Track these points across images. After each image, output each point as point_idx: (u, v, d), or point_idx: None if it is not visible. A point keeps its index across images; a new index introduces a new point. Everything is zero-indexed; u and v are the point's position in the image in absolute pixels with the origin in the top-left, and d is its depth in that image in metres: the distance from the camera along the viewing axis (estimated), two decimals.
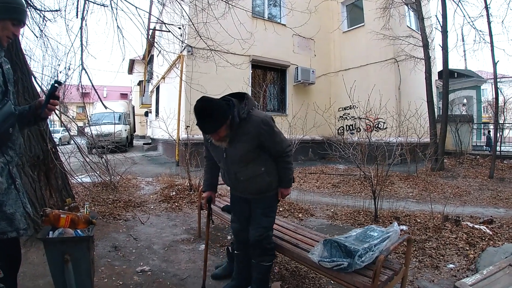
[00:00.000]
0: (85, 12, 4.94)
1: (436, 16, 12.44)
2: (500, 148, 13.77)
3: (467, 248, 4.27)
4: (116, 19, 5.19)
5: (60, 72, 6.72)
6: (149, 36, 7.29)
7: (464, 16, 14.32)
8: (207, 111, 2.44)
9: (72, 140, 6.69)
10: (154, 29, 11.52)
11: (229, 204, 4.38)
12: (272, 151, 2.75)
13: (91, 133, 7.15)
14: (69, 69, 5.85)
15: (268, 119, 2.70)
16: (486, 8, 10.79)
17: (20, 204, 2.04)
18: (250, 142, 2.63)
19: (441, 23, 11.78)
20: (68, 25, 5.39)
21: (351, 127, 14.32)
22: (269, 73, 14.38)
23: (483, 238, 4.57)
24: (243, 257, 3.10)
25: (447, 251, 4.24)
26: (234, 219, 3.20)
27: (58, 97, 2.16)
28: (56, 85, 2.13)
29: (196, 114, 2.46)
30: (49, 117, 2.43)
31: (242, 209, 3.07)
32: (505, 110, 17.06)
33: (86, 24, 5.03)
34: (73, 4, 5.07)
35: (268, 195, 2.90)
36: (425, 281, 3.53)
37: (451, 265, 3.90)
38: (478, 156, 13.26)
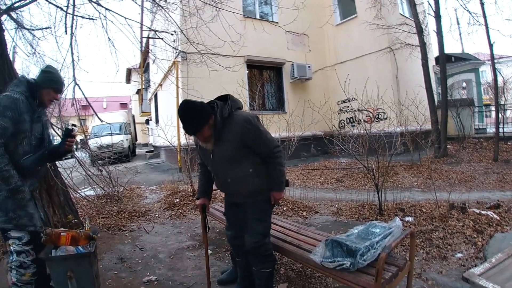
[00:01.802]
0: (74, 28, 4.94)
1: (428, 1, 12.40)
2: (503, 129, 13.68)
3: (475, 236, 4.22)
4: (106, 32, 5.19)
5: None
6: (143, 45, 7.29)
7: None
8: (189, 112, 2.54)
9: (72, 154, 6.71)
10: (148, 37, 11.53)
11: None
12: (258, 151, 2.72)
13: (93, 146, 7.16)
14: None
15: (251, 117, 2.69)
16: None
17: (37, 210, 2.80)
18: (235, 142, 2.63)
19: (433, 8, 11.72)
20: (58, 42, 5.40)
21: (351, 119, 14.26)
22: (265, 72, 14.35)
23: (491, 224, 4.51)
24: (244, 262, 3.10)
25: (454, 240, 4.19)
26: (228, 226, 3.20)
27: (74, 136, 2.99)
28: (70, 128, 2.99)
29: (179, 117, 2.55)
30: (69, 149, 3.02)
31: (235, 215, 3.05)
32: (505, 90, 16.97)
33: (75, 40, 5.03)
34: (61, 20, 5.06)
35: (260, 199, 2.84)
36: (433, 273, 3.49)
37: (459, 255, 3.84)
38: (481, 139, 13.13)
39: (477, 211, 4.96)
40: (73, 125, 3.16)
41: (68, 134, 2.92)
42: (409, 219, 4.98)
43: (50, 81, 2.81)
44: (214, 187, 3.16)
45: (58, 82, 2.89)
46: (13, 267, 2.61)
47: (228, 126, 2.63)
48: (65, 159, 4.33)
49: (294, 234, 3.38)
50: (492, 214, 4.80)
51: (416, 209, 5.43)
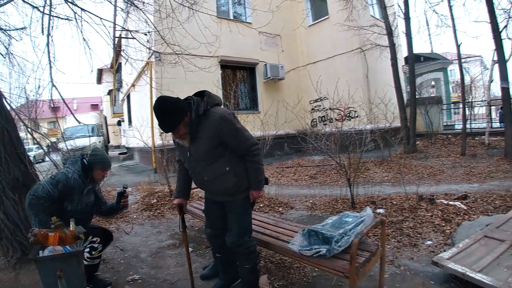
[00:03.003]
0: (51, 28, 4.90)
1: (398, 4, 12.82)
2: (471, 125, 14.23)
3: (443, 224, 4.50)
4: (81, 32, 5.15)
5: (31, 91, 6.67)
6: (115, 45, 7.26)
7: (426, 1, 14.71)
8: (164, 109, 2.51)
9: (46, 157, 6.64)
10: (120, 37, 11.41)
11: None
12: (235, 149, 2.69)
13: (67, 148, 7.06)
14: (39, 87, 5.83)
15: (228, 114, 2.64)
16: None
17: None
18: (211, 140, 2.60)
19: (403, 10, 12.16)
20: (34, 42, 5.34)
21: (323, 118, 14.54)
22: (238, 72, 14.41)
23: (458, 213, 4.82)
24: (224, 258, 3.14)
25: (424, 229, 4.45)
26: (207, 224, 3.21)
27: (127, 196, 3.57)
28: (122, 190, 3.52)
29: (155, 114, 2.53)
30: (125, 206, 3.65)
31: (215, 213, 3.05)
32: (473, 88, 17.58)
33: (52, 40, 4.98)
34: (38, 21, 5.01)
35: (239, 198, 2.82)
36: (405, 259, 3.71)
37: (429, 242, 4.10)
38: (449, 135, 13.64)
39: (445, 202, 5.25)
40: (124, 186, 3.56)
41: (121, 194, 3.51)
42: (380, 211, 5.21)
43: (98, 162, 3.32)
44: (193, 185, 3.16)
45: (105, 162, 3.39)
46: None
47: (204, 124, 2.60)
48: (37, 163, 4.40)
49: (272, 227, 3.50)
50: (459, 204, 5.10)
51: (387, 201, 5.67)
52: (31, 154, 18.53)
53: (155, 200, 6.97)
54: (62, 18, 5.04)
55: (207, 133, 2.60)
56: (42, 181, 3.20)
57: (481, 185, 6.99)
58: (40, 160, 17.84)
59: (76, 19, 5.00)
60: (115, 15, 7.58)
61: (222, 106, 2.85)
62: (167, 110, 2.51)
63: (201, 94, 2.75)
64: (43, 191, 2.90)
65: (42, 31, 4.85)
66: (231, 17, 13.97)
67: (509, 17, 10.14)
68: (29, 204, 2.87)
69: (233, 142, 2.66)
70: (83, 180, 3.20)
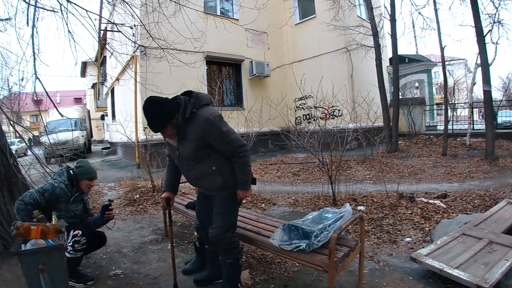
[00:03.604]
0: (36, 19, 4.83)
1: (384, 5, 12.95)
2: (453, 126, 14.50)
3: (422, 222, 4.60)
4: (67, 24, 5.08)
5: (16, 84, 6.55)
6: (101, 38, 7.17)
7: (412, 4, 14.91)
8: (153, 110, 2.56)
9: (29, 151, 6.52)
10: (106, 30, 11.28)
11: (192, 201, 4.50)
12: (221, 151, 2.72)
13: (49, 142, 6.94)
14: (22, 79, 5.74)
15: (213, 117, 2.62)
16: None
17: None
18: (196, 141, 2.64)
19: (389, 12, 12.30)
20: (19, 34, 5.26)
21: (307, 116, 14.64)
22: (224, 69, 14.44)
23: (437, 211, 4.93)
24: (212, 249, 3.15)
25: (403, 226, 4.55)
26: (196, 215, 3.27)
27: (111, 209, 3.66)
28: (107, 203, 3.64)
29: (144, 114, 2.57)
30: (109, 218, 3.71)
31: (203, 206, 3.09)
32: (456, 90, 17.87)
33: (37, 32, 4.91)
34: (23, 12, 4.93)
35: (225, 194, 2.84)
36: (384, 255, 3.79)
37: (408, 239, 4.19)
38: (431, 136, 13.89)
39: (425, 200, 5.38)
40: (109, 200, 3.72)
41: (106, 208, 3.61)
42: (361, 208, 5.29)
43: (83, 173, 3.50)
44: (184, 178, 3.17)
45: (91, 173, 3.57)
46: None
47: (191, 126, 2.63)
48: (19, 157, 4.37)
49: (253, 223, 3.54)
50: (439, 203, 5.23)
51: (368, 199, 5.76)
52: (13, 148, 18.20)
53: (138, 196, 6.91)
54: (47, 10, 4.97)
55: (193, 136, 2.63)
56: (31, 190, 3.38)
57: (461, 184, 7.16)
58: (22, 154, 17.51)
59: (61, 10, 4.94)
60: (101, 7, 7.51)
61: (211, 106, 2.84)
62: (155, 111, 2.56)
63: (190, 94, 2.76)
64: (31, 197, 3.09)
65: (27, 22, 4.79)
66: (218, 13, 13.94)
67: (494, 22, 10.36)
68: (17, 209, 3.03)
69: (219, 145, 2.68)
70: (69, 189, 3.40)
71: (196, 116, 2.63)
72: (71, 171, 3.50)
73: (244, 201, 6.18)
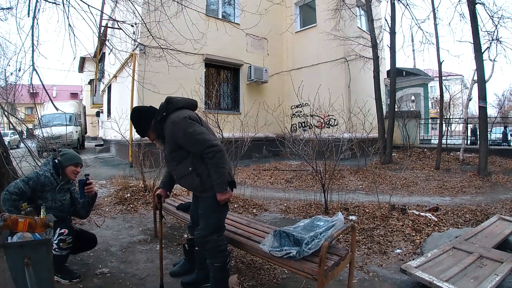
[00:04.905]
0: (37, 10, 4.80)
1: (385, 18, 13.06)
2: (447, 141, 14.58)
3: (413, 234, 4.61)
4: (68, 17, 5.06)
5: (12, 74, 6.50)
6: (101, 34, 7.15)
7: (412, 18, 15.02)
8: (134, 119, 2.98)
9: (21, 143, 6.45)
10: (106, 26, 11.26)
11: (183, 203, 4.55)
12: (192, 151, 2.78)
13: (42, 136, 6.88)
14: (19, 70, 5.67)
15: (179, 119, 2.72)
16: (434, 11, 11.48)
17: None
18: (170, 144, 2.84)
19: (389, 24, 12.41)
20: (19, 24, 5.21)
21: (303, 124, 14.66)
22: (222, 72, 14.41)
23: (429, 224, 4.95)
24: (201, 253, 3.10)
25: (394, 238, 4.56)
26: (190, 215, 3.36)
27: (90, 184, 3.56)
28: (83, 178, 3.52)
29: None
30: (91, 195, 3.64)
31: (195, 207, 3.15)
32: (451, 105, 17.96)
33: (37, 23, 4.88)
34: (25, 2, 4.90)
35: (207, 195, 2.85)
36: (374, 266, 3.79)
37: (398, 250, 4.20)
38: (425, 149, 13.95)
39: (417, 212, 5.39)
40: (85, 175, 3.62)
41: (84, 183, 3.53)
42: (353, 217, 5.29)
43: (68, 160, 3.53)
44: None
45: (75, 158, 3.58)
46: None
47: (165, 129, 2.81)
48: (11, 149, 4.35)
49: (244, 227, 3.53)
50: (430, 216, 5.25)
51: (359, 209, 5.77)
52: (6, 139, 18.04)
53: (128, 195, 6.85)
54: (49, 2, 4.95)
55: (167, 138, 2.83)
56: (17, 180, 3.41)
57: (453, 198, 7.19)
58: (15, 146, 17.34)
59: (63, 4, 4.92)
60: (103, 3, 7.49)
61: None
62: (135, 119, 2.97)
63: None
64: (15, 187, 3.13)
65: (28, 13, 4.76)
66: (220, 16, 13.99)
67: (492, 39, 10.45)
68: (2, 200, 3.07)
69: (188, 146, 2.78)
70: (55, 177, 3.42)
71: (167, 119, 2.81)
72: (56, 160, 3.55)
73: (235, 205, 6.17)
